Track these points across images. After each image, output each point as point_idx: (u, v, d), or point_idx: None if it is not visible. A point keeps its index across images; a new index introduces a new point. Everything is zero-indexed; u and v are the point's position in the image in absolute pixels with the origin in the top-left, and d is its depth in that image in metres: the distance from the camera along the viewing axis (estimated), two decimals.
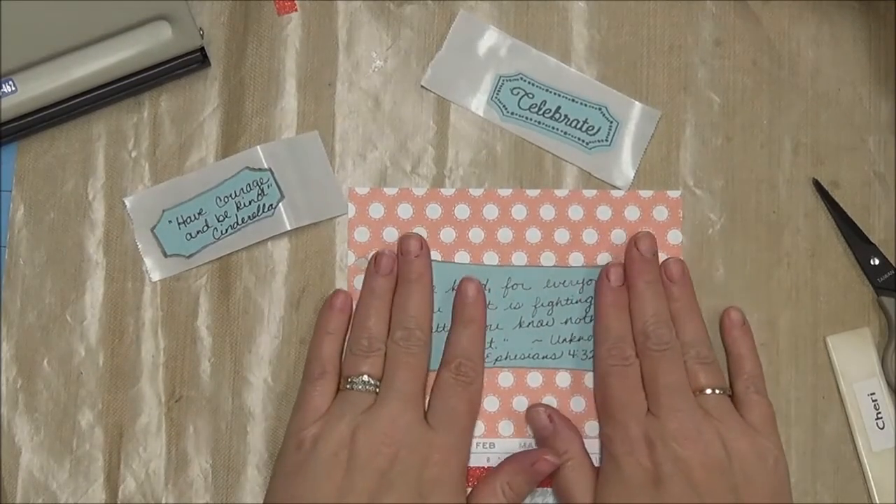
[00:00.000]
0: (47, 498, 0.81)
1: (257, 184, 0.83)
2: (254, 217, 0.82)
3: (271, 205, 0.82)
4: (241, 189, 0.83)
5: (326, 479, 0.74)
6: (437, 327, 0.81)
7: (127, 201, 0.83)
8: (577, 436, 0.79)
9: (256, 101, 0.84)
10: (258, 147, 0.83)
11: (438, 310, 0.82)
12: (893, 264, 0.82)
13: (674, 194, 0.83)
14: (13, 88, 0.80)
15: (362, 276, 0.82)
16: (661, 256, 0.82)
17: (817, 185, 0.83)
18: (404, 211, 0.83)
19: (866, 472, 0.81)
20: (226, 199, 0.82)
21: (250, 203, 0.82)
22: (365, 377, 0.77)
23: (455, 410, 0.78)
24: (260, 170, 0.83)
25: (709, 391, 0.77)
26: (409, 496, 0.74)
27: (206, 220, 0.82)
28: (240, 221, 0.82)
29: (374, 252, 0.81)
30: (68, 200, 0.83)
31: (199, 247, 0.82)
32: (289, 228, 0.82)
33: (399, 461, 0.75)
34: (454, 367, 0.78)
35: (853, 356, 0.82)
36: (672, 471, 0.74)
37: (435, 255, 0.82)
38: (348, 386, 0.78)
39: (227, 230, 0.82)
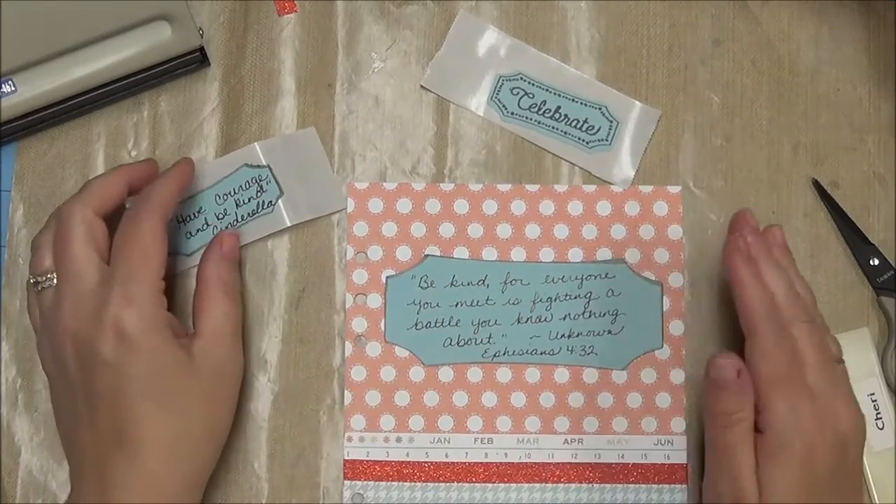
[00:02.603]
0: (47, 498, 0.81)
1: (256, 181, 0.83)
2: (253, 214, 0.82)
3: (270, 201, 0.82)
4: (240, 186, 0.83)
5: None
6: (435, 322, 0.82)
7: (126, 200, 0.83)
8: (753, 398, 0.74)
9: (256, 101, 0.84)
10: (256, 144, 0.83)
11: (437, 305, 0.82)
12: (893, 264, 0.82)
13: (674, 189, 0.83)
14: (13, 88, 0.80)
15: (361, 271, 0.82)
16: (662, 252, 0.82)
17: (817, 185, 0.83)
18: (403, 206, 0.83)
19: (866, 472, 0.81)
20: (225, 197, 0.82)
21: (249, 200, 0.83)
22: None
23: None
24: (258, 167, 0.83)
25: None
26: None
27: (205, 219, 0.82)
28: (239, 219, 0.82)
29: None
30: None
31: (199, 245, 0.82)
32: (289, 224, 0.82)
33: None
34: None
35: (853, 356, 0.81)
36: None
37: (434, 250, 0.83)
38: None
39: (226, 228, 0.82)
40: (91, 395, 0.72)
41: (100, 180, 0.77)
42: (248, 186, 0.83)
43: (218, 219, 0.82)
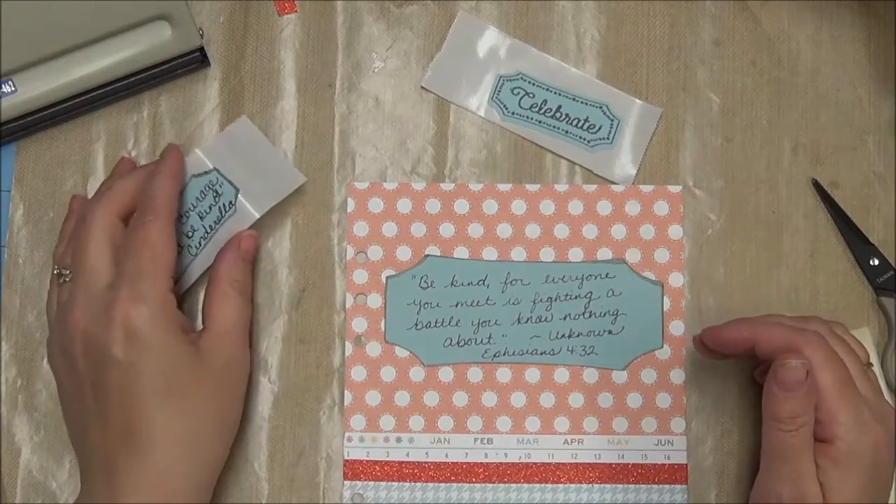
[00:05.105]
0: (47, 498, 0.81)
1: (209, 187, 0.81)
2: (219, 220, 0.81)
3: (230, 202, 0.81)
4: (196, 198, 0.81)
5: None
6: (435, 322, 0.82)
7: None
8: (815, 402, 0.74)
9: (256, 102, 0.84)
10: (197, 150, 0.82)
11: (437, 305, 0.82)
12: (893, 264, 0.82)
13: (674, 189, 0.83)
14: (13, 88, 0.80)
15: (362, 271, 0.82)
16: (663, 251, 0.82)
17: (817, 186, 0.83)
18: (403, 206, 0.83)
19: None
20: (187, 215, 0.81)
21: (210, 209, 0.81)
22: None
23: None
24: (206, 173, 0.81)
25: None
26: None
27: (177, 242, 0.79)
28: (208, 230, 0.81)
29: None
30: (68, 200, 0.83)
31: (183, 268, 0.81)
32: (257, 216, 0.81)
33: None
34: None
35: None
36: None
37: (434, 250, 0.83)
38: None
39: (200, 243, 0.81)
40: (100, 392, 0.73)
41: (122, 183, 0.78)
42: (203, 196, 0.81)
43: (188, 237, 0.81)
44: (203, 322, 0.78)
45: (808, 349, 0.72)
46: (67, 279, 0.76)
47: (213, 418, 0.75)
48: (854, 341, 0.77)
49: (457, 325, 0.82)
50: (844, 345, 0.75)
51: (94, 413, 0.73)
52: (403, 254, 0.83)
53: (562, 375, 0.82)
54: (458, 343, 0.82)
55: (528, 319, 0.82)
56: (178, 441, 0.73)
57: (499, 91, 0.84)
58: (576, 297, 0.82)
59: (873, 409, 0.73)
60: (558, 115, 0.84)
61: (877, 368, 0.81)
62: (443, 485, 0.81)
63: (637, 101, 0.84)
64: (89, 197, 0.82)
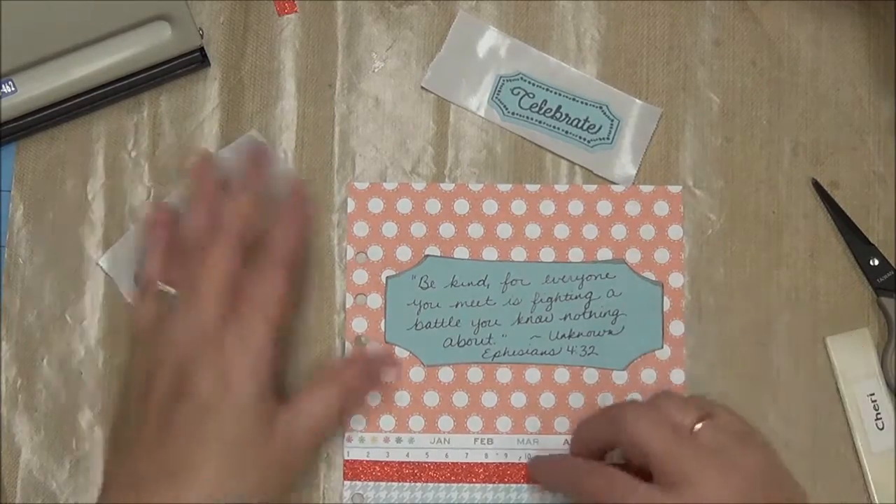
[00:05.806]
0: (47, 498, 0.81)
1: None
2: None
3: None
4: None
5: None
6: (435, 323, 0.82)
7: (102, 262, 0.82)
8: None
9: (256, 102, 0.84)
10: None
11: (437, 305, 0.82)
12: (893, 265, 0.82)
13: (674, 189, 0.83)
14: (13, 88, 0.80)
15: (361, 271, 0.82)
16: (663, 251, 0.82)
17: (817, 186, 0.83)
18: (403, 206, 0.83)
19: (866, 473, 0.80)
20: None
21: None
22: None
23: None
24: None
25: None
26: None
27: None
28: None
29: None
30: (68, 200, 0.83)
31: None
32: None
33: None
34: None
35: (853, 357, 0.81)
36: None
37: (434, 250, 0.83)
38: None
39: None
40: (165, 421, 0.71)
41: (243, 213, 0.77)
42: None
43: None
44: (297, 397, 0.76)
45: (624, 439, 0.70)
46: (174, 297, 0.75)
47: (262, 494, 0.72)
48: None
49: (457, 325, 0.82)
50: (682, 403, 0.72)
51: (148, 438, 0.72)
52: (403, 254, 0.83)
53: (562, 376, 0.82)
54: (458, 343, 0.82)
55: (528, 319, 0.82)
56: (219, 492, 0.70)
57: (499, 91, 0.84)
58: (576, 298, 0.82)
59: (726, 458, 0.68)
60: (558, 115, 0.84)
61: (876, 367, 0.81)
62: (443, 485, 0.81)
63: (637, 101, 0.84)
64: (88, 198, 0.82)
